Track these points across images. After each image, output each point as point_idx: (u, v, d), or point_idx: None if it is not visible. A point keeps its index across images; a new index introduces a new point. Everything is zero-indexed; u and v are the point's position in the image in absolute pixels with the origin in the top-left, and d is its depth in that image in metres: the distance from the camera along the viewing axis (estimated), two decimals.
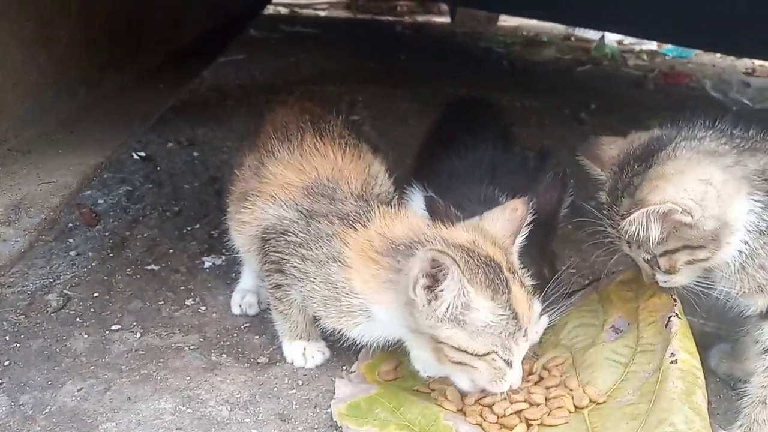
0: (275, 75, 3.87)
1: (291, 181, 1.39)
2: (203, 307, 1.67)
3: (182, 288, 1.74)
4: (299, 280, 1.33)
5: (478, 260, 1.16)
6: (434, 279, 1.12)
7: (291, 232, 1.34)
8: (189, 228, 2.05)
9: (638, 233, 1.19)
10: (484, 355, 1.15)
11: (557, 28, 5.85)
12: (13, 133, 1.30)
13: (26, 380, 1.37)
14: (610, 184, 1.29)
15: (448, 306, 1.12)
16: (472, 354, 1.14)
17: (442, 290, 1.11)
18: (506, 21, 6.31)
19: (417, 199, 1.62)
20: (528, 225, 1.28)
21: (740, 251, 1.18)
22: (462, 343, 1.14)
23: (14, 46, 1.32)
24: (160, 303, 1.67)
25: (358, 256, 1.25)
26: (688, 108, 3.68)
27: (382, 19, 6.35)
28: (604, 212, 1.29)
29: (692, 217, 1.14)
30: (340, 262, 1.26)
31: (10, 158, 1.26)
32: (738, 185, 1.17)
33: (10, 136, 1.30)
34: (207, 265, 1.86)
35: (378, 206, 1.32)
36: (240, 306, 1.65)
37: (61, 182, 1.27)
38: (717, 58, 4.92)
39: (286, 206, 1.37)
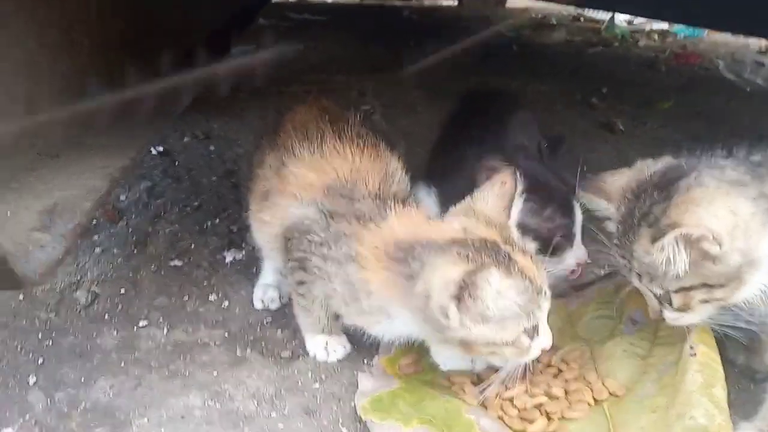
0: (285, 65, 3.88)
1: (312, 180, 1.41)
2: (226, 302, 1.71)
3: (205, 283, 1.78)
4: (321, 279, 1.36)
5: (485, 248, 1.17)
6: (467, 293, 1.13)
7: (312, 232, 1.36)
8: (209, 223, 2.08)
9: (664, 262, 1.15)
10: (513, 341, 1.17)
11: (566, 8, 5.80)
12: (41, 137, 1.34)
13: (60, 377, 1.42)
14: (624, 212, 1.26)
15: (488, 311, 1.14)
16: (501, 343, 1.17)
17: (487, 308, 1.13)
18: (514, 3, 6.26)
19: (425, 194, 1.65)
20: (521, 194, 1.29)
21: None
22: (491, 337, 1.16)
23: (41, 53, 1.35)
24: (185, 299, 1.71)
25: (372, 257, 1.26)
26: (702, 90, 3.64)
27: (389, 4, 6.32)
28: (615, 242, 1.27)
29: (720, 247, 1.11)
30: (357, 262, 1.28)
31: (39, 163, 1.29)
32: (764, 219, 1.14)
33: (39, 141, 1.33)
34: (228, 259, 1.89)
35: (393, 206, 1.33)
36: (262, 301, 1.68)
37: (90, 185, 1.29)
38: (729, 37, 4.86)
39: (308, 206, 1.38)
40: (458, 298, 1.12)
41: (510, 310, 1.14)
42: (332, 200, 1.37)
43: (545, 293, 1.19)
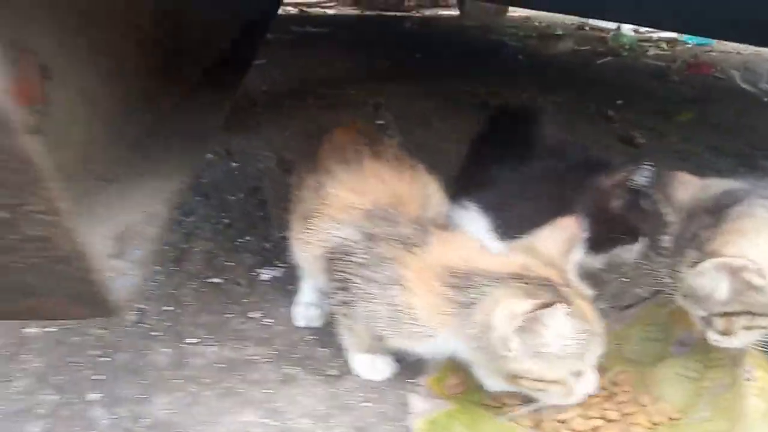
0: (297, 79, 3.91)
1: (352, 203, 1.44)
2: (268, 320, 1.73)
3: (246, 300, 1.81)
4: (363, 301, 1.39)
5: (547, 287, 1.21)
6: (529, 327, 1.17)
7: (354, 254, 1.39)
8: (241, 240, 2.11)
9: (702, 288, 1.17)
10: (561, 380, 1.21)
11: (570, 17, 5.83)
12: (99, 164, 1.38)
13: (119, 394, 1.45)
14: (677, 231, 1.28)
15: (544, 347, 1.18)
16: (549, 381, 1.21)
17: (545, 344, 1.17)
18: (515, 12, 6.29)
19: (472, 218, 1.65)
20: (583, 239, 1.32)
21: None
22: (540, 374, 1.20)
23: (98, 82, 1.40)
24: (228, 316, 1.74)
25: (417, 282, 1.29)
26: (718, 101, 3.61)
27: (389, 15, 6.34)
28: (666, 259, 1.29)
29: (765, 279, 1.12)
30: (400, 285, 1.31)
31: (100, 189, 1.32)
32: None
33: (96, 167, 1.37)
34: (265, 276, 1.92)
35: (434, 229, 1.37)
36: (304, 318, 1.71)
37: (151, 211, 1.33)
38: (740, 46, 4.85)
39: (349, 228, 1.42)
40: (521, 332, 1.16)
41: (565, 349, 1.18)
42: (373, 223, 1.40)
43: (600, 339, 1.22)
